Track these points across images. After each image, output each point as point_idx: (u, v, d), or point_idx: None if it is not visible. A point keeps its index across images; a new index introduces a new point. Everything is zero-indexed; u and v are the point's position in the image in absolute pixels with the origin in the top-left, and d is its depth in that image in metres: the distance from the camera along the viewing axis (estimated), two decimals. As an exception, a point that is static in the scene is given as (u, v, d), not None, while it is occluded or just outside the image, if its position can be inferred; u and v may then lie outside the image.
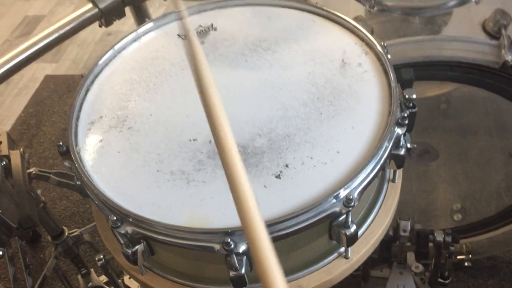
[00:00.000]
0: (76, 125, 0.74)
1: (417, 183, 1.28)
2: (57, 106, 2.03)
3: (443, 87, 1.18)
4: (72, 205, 1.65)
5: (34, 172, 1.06)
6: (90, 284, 1.33)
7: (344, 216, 0.62)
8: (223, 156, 0.50)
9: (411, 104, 0.72)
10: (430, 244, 1.02)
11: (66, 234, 1.20)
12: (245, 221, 0.46)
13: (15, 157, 0.98)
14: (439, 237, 1.03)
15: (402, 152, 0.69)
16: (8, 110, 2.05)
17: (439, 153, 1.21)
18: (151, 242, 0.65)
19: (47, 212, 1.15)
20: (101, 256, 1.03)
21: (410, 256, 1.11)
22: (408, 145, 0.72)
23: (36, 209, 1.06)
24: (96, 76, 0.81)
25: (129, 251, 0.65)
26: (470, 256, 1.26)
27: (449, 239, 1.03)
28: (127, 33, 0.86)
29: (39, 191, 1.17)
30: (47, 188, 1.68)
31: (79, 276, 1.33)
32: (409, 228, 1.02)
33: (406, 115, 0.68)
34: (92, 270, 1.34)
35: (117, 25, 1.19)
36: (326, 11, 0.85)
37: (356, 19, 0.95)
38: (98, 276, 1.33)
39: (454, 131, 1.24)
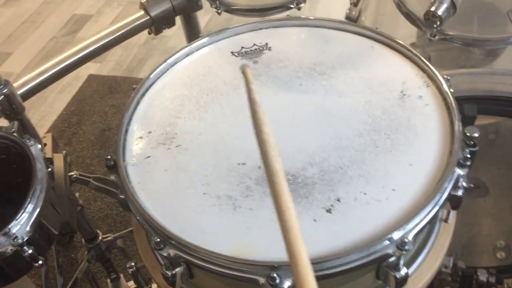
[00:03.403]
0: (125, 139, 0.73)
1: (459, 215, 1.23)
2: (98, 106, 2.05)
3: (492, 117, 1.13)
4: (106, 207, 1.66)
5: (74, 175, 1.06)
6: (119, 289, 1.33)
7: (395, 258, 0.59)
8: (272, 186, 0.48)
9: (472, 142, 0.68)
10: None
11: (100, 238, 1.20)
12: (293, 259, 0.43)
13: (58, 161, 0.98)
14: (483, 277, 0.99)
15: (460, 193, 0.65)
16: (50, 106, 2.08)
17: (489, 189, 1.16)
18: (192, 266, 0.63)
19: (84, 216, 1.14)
20: (132, 264, 1.02)
21: (450, 292, 1.07)
22: (465, 185, 0.68)
23: (75, 214, 1.06)
24: (147, 89, 0.80)
25: (169, 273, 0.63)
26: (513, 297, 1.20)
27: (492, 279, 0.99)
28: (180, 47, 0.84)
29: (77, 194, 1.18)
30: (82, 188, 1.70)
31: (108, 280, 1.33)
32: (451, 264, 0.97)
33: (468, 155, 0.64)
34: (121, 275, 1.33)
35: (162, 28, 1.20)
36: (385, 37, 0.81)
37: (413, 45, 0.92)
38: (127, 281, 1.33)
39: (502, 163, 1.18)
